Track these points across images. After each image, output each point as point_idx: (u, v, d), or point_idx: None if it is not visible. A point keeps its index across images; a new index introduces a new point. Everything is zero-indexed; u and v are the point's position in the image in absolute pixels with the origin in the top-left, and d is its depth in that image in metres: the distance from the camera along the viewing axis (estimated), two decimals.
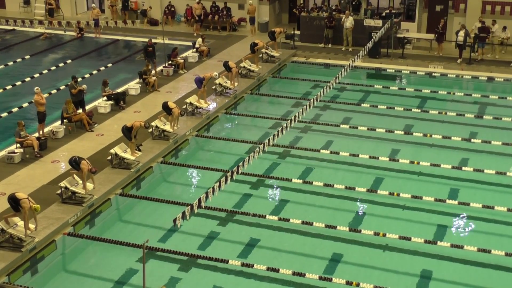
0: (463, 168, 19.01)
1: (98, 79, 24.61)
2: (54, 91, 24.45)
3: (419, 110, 23.44)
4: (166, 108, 20.26)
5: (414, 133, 21.39)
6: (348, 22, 29.00)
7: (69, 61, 28.88)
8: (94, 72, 27.08)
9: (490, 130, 21.86)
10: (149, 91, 24.41)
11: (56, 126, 20.78)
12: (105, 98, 22.95)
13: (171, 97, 23.47)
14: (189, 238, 16.05)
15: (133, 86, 24.47)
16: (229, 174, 15.92)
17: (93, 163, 17.14)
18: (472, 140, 20.92)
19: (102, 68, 27.67)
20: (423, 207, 17.23)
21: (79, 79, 23.14)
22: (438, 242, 15.47)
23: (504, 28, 27.96)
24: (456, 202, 17.27)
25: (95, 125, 21.35)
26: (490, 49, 28.14)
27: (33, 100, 20.85)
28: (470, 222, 16.88)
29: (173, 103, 20.59)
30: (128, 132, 18.44)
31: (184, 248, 15.36)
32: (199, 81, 22.49)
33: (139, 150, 18.82)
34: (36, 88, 20.68)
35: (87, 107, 22.43)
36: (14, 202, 14.82)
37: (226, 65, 24.14)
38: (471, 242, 15.52)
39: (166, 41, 28.08)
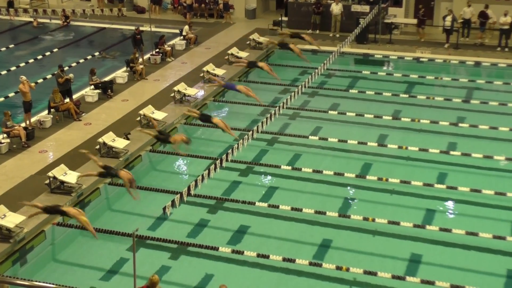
0: (451, 152, 19.11)
1: (85, 68, 24.43)
2: (40, 80, 24.25)
3: (407, 95, 23.48)
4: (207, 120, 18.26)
5: (402, 118, 21.44)
6: (337, 8, 28.92)
7: (55, 50, 28.65)
8: (81, 60, 26.89)
9: (477, 114, 21.92)
10: (137, 79, 24.28)
11: (43, 115, 20.66)
12: (92, 87, 22.80)
13: (158, 85, 23.37)
14: (179, 226, 16.05)
15: (120, 74, 24.34)
16: (218, 161, 15.91)
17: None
18: (460, 124, 21.01)
19: (89, 57, 27.47)
20: (411, 191, 17.31)
21: (66, 68, 22.97)
22: (427, 226, 15.57)
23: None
24: (444, 186, 17.38)
25: (83, 114, 21.24)
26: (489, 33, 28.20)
27: (18, 89, 20.69)
28: (458, 205, 17.00)
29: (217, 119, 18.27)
30: None
31: (174, 236, 15.36)
32: (232, 87, 20.39)
33: (127, 139, 18.74)
34: (21, 76, 20.50)
35: (75, 96, 22.28)
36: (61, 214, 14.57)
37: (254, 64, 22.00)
38: (459, 225, 15.60)
39: (153, 29, 27.90)
